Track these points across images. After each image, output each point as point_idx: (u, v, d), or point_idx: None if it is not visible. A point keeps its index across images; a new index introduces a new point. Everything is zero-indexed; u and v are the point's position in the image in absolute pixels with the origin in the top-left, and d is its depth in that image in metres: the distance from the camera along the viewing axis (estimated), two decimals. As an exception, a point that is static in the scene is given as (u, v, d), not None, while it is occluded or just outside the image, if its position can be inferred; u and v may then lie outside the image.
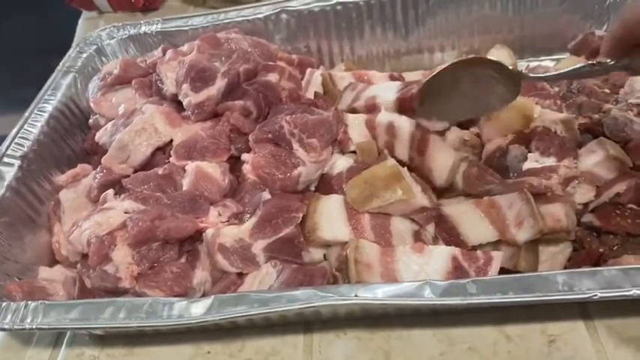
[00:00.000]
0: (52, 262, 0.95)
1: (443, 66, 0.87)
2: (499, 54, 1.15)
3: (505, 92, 0.83)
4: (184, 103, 0.95)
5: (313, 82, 1.11)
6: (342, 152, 0.97)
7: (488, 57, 0.93)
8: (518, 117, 0.90)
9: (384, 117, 0.93)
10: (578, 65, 0.78)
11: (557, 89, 0.97)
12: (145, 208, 0.80)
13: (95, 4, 1.66)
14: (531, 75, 0.87)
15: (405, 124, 0.91)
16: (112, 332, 0.80)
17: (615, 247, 0.77)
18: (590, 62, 0.77)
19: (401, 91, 0.96)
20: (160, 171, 0.88)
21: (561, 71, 0.82)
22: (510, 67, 0.83)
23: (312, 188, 0.92)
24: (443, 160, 0.88)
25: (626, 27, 0.68)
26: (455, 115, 0.92)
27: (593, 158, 0.82)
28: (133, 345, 0.80)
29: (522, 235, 0.78)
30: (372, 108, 0.98)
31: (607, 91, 0.98)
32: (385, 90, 1.00)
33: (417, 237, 0.83)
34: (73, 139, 1.12)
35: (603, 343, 0.71)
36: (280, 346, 0.77)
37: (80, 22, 1.70)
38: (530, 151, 0.89)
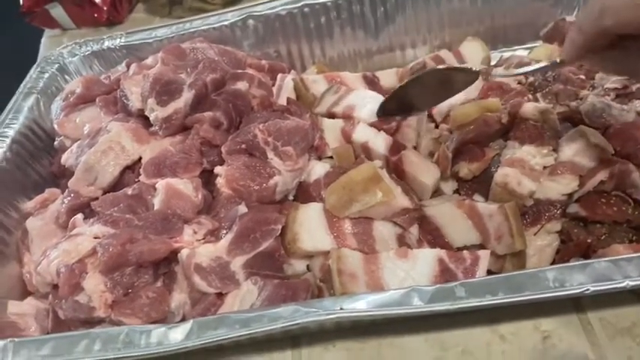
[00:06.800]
0: (25, 293, 0.90)
1: (398, 86, 0.89)
2: (471, 46, 1.14)
3: (465, 79, 0.83)
4: (151, 119, 0.91)
5: (285, 87, 1.08)
6: (320, 158, 0.94)
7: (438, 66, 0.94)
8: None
9: (359, 135, 0.91)
10: (538, 65, 0.78)
11: (531, 79, 0.95)
12: (115, 231, 0.76)
13: (57, 21, 1.61)
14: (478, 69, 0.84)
15: (380, 146, 0.89)
16: (90, 364, 0.76)
17: (603, 237, 0.75)
18: (552, 62, 0.75)
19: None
20: (130, 191, 0.84)
21: (520, 70, 0.82)
22: (463, 66, 0.86)
23: (291, 197, 0.89)
24: (424, 178, 0.85)
25: (585, 34, 0.63)
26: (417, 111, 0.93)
27: (574, 147, 0.80)
28: (114, 375, 0.77)
29: (501, 249, 0.76)
30: (349, 118, 0.96)
31: (582, 77, 0.97)
32: (365, 102, 0.97)
33: (401, 240, 0.81)
34: (39, 164, 1.08)
35: (598, 335, 0.69)
36: (268, 364, 0.74)
37: (43, 40, 1.65)
38: (508, 140, 0.87)
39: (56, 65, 1.23)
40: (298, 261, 0.81)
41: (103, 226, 0.78)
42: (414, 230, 0.82)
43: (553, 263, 0.78)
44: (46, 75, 1.20)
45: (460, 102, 0.92)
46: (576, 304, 0.72)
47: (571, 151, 0.80)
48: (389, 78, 1.15)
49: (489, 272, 0.77)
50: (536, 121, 0.83)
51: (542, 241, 0.78)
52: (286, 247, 0.80)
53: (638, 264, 0.63)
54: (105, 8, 1.56)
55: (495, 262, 0.77)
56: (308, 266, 0.82)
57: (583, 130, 0.81)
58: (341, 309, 0.65)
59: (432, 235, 0.81)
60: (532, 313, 0.72)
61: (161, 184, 0.83)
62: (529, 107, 0.84)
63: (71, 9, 1.58)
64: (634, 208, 0.76)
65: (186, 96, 0.90)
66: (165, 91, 0.90)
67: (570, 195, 0.79)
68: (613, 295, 0.67)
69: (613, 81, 0.91)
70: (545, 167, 0.79)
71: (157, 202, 0.82)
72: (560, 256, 0.78)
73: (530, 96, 0.90)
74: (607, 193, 0.77)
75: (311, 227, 0.80)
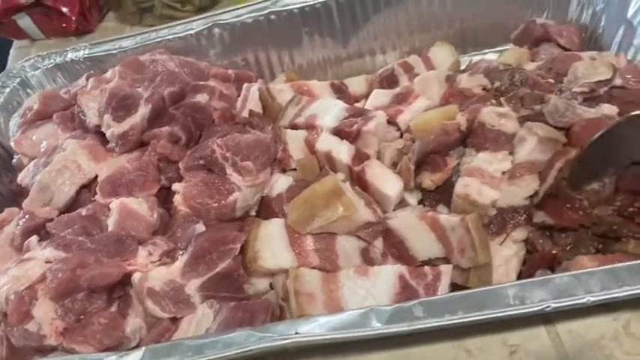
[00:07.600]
0: (-17, 319, 0.88)
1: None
2: (440, 51, 1.12)
3: None
4: (107, 135, 0.89)
5: (250, 97, 1.05)
6: (284, 170, 0.92)
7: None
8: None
9: (322, 144, 0.89)
10: None
11: (497, 83, 0.93)
12: (67, 256, 0.73)
13: (25, 32, 1.58)
14: None
15: (343, 156, 0.86)
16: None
17: (568, 247, 0.74)
18: None
19: (344, 120, 0.92)
20: (84, 212, 0.81)
21: None
22: None
23: (253, 213, 0.87)
24: (387, 191, 0.82)
25: None
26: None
27: (527, 146, 0.78)
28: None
29: (465, 263, 0.74)
30: (312, 128, 0.93)
31: (551, 80, 0.95)
32: (327, 110, 0.95)
33: (366, 255, 0.79)
34: (-1, 182, 1.05)
35: (566, 348, 0.67)
36: (229, 389, 0.71)
37: (12, 51, 1.61)
38: (466, 147, 0.85)
39: (18, 79, 1.20)
40: (260, 279, 0.79)
41: (55, 250, 0.75)
42: (379, 244, 0.80)
43: (520, 274, 0.77)
44: (7, 90, 1.17)
45: (422, 109, 0.90)
46: (544, 317, 0.70)
47: (525, 150, 0.78)
48: (358, 85, 1.13)
49: (454, 285, 0.75)
50: (492, 125, 0.81)
51: (508, 251, 0.76)
52: (246, 265, 0.77)
53: (600, 278, 0.62)
54: (73, 18, 1.52)
55: (460, 275, 0.75)
56: (271, 284, 0.80)
57: (530, 126, 0.79)
58: (296, 333, 0.62)
59: (397, 249, 0.79)
60: (499, 327, 0.70)
61: (115, 203, 0.80)
62: (486, 112, 0.82)
63: (39, 19, 1.54)
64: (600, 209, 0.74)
65: (143, 111, 0.88)
66: (121, 106, 0.87)
67: (533, 197, 0.77)
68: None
69: (581, 84, 0.89)
70: (503, 172, 0.77)
71: (110, 223, 0.79)
72: (527, 267, 0.76)
73: (494, 101, 0.88)
74: (571, 198, 0.75)
75: (272, 244, 0.78)
